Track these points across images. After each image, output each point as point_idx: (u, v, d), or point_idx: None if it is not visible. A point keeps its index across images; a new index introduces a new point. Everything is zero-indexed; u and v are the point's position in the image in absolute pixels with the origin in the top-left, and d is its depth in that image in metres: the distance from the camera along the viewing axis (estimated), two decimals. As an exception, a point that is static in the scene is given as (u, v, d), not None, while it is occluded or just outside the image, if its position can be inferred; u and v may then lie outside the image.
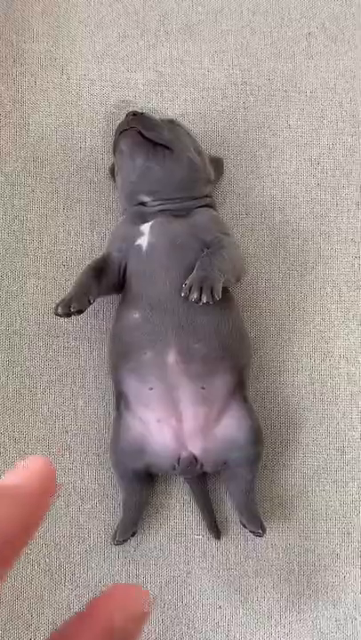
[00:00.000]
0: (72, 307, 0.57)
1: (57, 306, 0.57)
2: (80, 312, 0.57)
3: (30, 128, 0.70)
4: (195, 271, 0.57)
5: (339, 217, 0.71)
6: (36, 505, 0.13)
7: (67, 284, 0.65)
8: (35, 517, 0.13)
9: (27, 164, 0.70)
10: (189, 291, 0.55)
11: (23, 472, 0.14)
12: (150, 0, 0.73)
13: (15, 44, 0.71)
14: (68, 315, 0.57)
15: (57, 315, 0.57)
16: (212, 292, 0.55)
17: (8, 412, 0.66)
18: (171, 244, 0.60)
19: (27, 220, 0.69)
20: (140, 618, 0.14)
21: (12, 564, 0.13)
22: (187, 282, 0.56)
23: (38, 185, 0.69)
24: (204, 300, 0.54)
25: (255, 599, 0.65)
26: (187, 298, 0.55)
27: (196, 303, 0.55)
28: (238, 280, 0.64)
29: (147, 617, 0.14)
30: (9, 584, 0.64)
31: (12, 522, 0.13)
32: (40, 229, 0.69)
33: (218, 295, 0.55)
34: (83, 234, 0.69)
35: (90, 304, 0.58)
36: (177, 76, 0.72)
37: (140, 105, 0.71)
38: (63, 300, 0.57)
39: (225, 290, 0.60)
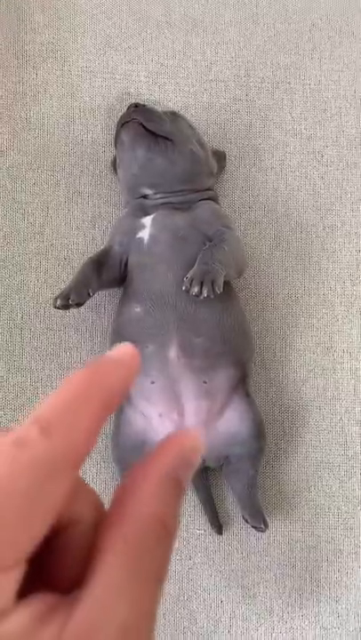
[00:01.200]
0: (71, 299, 0.57)
1: (56, 298, 0.57)
2: (79, 305, 0.57)
3: (31, 121, 0.70)
4: (196, 265, 0.56)
5: (342, 210, 0.71)
6: (131, 374, 0.18)
7: (68, 277, 0.65)
8: (129, 383, 0.18)
9: (28, 157, 0.69)
10: (190, 285, 0.54)
11: (120, 352, 0.19)
12: (152, -9, 0.73)
13: (16, 35, 0.71)
14: (67, 307, 0.57)
15: (55, 307, 0.57)
16: (212, 287, 0.54)
17: (9, 406, 0.65)
18: (172, 237, 0.60)
19: (28, 214, 0.68)
20: (199, 449, 0.18)
21: (114, 411, 0.18)
22: (188, 276, 0.55)
23: (40, 178, 0.69)
24: (205, 294, 0.54)
25: (257, 594, 0.65)
26: (187, 292, 0.55)
27: (197, 297, 0.54)
28: (240, 274, 0.63)
29: (202, 449, 0.19)
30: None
31: (118, 382, 0.18)
32: (41, 223, 0.68)
33: (219, 289, 0.55)
34: (84, 227, 0.69)
35: (89, 297, 0.58)
36: (179, 67, 0.72)
37: (143, 97, 0.70)
38: (62, 292, 0.57)
39: (227, 283, 0.60)
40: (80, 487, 0.17)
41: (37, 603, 0.15)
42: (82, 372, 0.17)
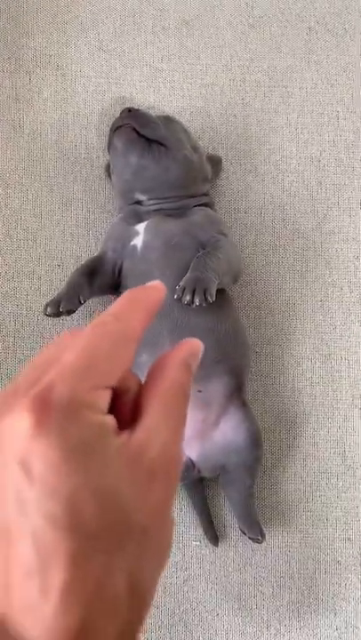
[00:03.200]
0: (61, 306, 0.56)
1: (46, 305, 0.56)
2: (70, 312, 0.56)
3: (25, 126, 0.69)
4: (188, 273, 0.55)
5: (340, 216, 0.70)
6: (161, 295, 0.27)
7: (62, 285, 0.64)
8: (160, 300, 0.27)
9: (21, 162, 0.68)
10: (182, 293, 0.53)
11: (153, 283, 0.28)
12: (147, -5, 0.72)
13: (9, 40, 0.70)
14: (58, 315, 0.56)
15: (46, 314, 0.56)
16: (205, 295, 0.53)
17: (2, 415, 0.64)
18: (166, 244, 0.59)
19: (21, 220, 0.68)
20: (201, 348, 0.28)
21: (153, 314, 0.27)
22: (180, 284, 0.54)
23: (33, 184, 0.68)
24: (197, 302, 0.53)
25: (254, 607, 0.64)
26: (180, 300, 0.53)
27: (189, 306, 0.53)
28: (235, 281, 0.62)
29: (202, 348, 0.28)
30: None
31: (154, 297, 0.27)
32: (35, 229, 0.68)
33: (211, 298, 0.53)
34: (78, 234, 0.68)
35: (81, 304, 0.57)
36: (174, 72, 0.71)
37: (137, 102, 0.69)
38: (53, 299, 0.57)
39: (222, 291, 0.59)
40: (129, 372, 0.26)
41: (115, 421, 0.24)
42: (132, 290, 0.27)
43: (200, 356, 0.28)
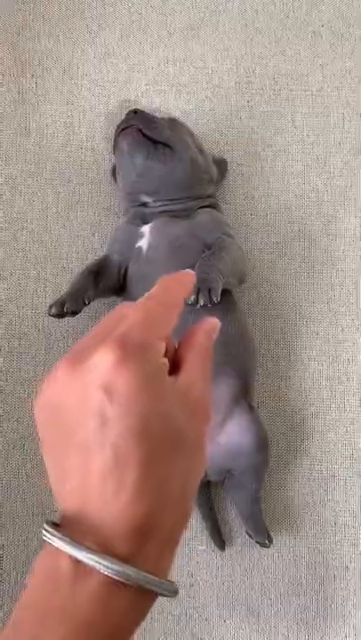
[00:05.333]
0: (66, 307, 0.55)
1: (51, 306, 0.56)
2: (74, 313, 0.56)
3: (31, 129, 0.69)
4: None
5: (346, 217, 0.70)
6: (191, 282, 0.34)
7: (68, 286, 0.64)
8: (191, 286, 0.34)
9: (27, 165, 0.69)
10: None
11: (185, 271, 0.34)
12: (153, 0, 0.72)
13: (16, 43, 0.70)
14: (62, 315, 0.56)
15: (50, 315, 0.56)
16: (210, 295, 0.53)
17: (8, 416, 0.64)
18: (171, 246, 0.59)
19: (27, 222, 0.68)
20: (218, 324, 0.34)
21: (186, 295, 0.33)
22: None
23: (39, 187, 0.68)
24: (202, 302, 0.52)
25: (262, 613, 0.63)
26: (185, 300, 0.53)
27: (193, 306, 0.53)
28: (241, 282, 0.62)
29: (219, 324, 0.34)
30: (12, 578, 0.62)
31: (187, 283, 0.34)
32: (41, 232, 0.68)
33: (217, 298, 0.53)
34: (84, 236, 0.68)
35: (85, 305, 0.57)
36: (180, 75, 0.71)
37: (143, 104, 0.69)
38: (57, 300, 0.56)
39: (228, 292, 0.58)
40: (170, 338, 0.32)
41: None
42: (170, 275, 0.33)
43: (218, 329, 0.34)
